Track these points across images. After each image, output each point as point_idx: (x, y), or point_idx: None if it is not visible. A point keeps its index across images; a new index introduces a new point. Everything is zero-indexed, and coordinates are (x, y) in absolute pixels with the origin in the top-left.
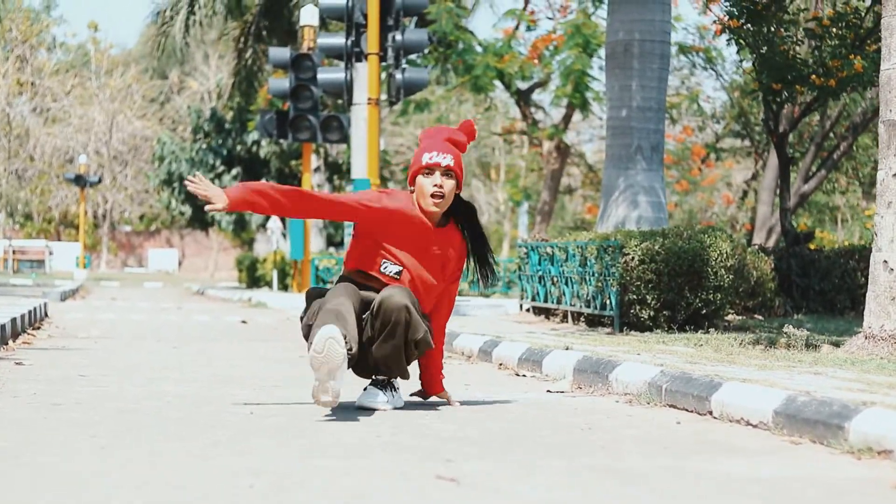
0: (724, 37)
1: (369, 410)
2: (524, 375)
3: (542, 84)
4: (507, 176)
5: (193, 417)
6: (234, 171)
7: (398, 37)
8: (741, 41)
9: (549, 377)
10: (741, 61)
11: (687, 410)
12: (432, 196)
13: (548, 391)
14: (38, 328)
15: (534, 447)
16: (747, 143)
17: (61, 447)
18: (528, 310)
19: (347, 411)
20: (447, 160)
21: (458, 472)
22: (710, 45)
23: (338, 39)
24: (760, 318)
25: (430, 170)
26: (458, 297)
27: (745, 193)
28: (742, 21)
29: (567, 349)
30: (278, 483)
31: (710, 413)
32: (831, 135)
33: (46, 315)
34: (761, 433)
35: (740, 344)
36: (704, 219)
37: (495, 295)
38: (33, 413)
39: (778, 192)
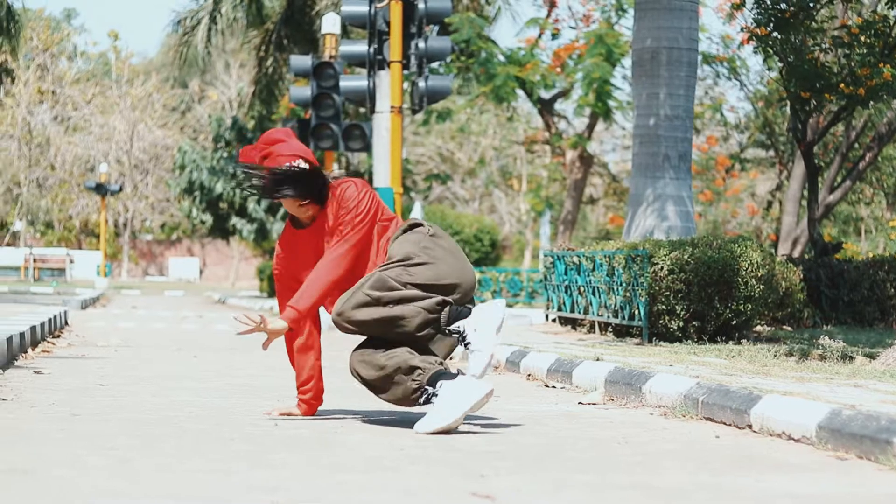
0: (749, 47)
1: (393, 423)
2: (554, 387)
3: (565, 93)
4: (528, 186)
5: (214, 430)
6: None
7: (421, 44)
8: (769, 49)
9: (579, 389)
10: (768, 69)
11: (725, 424)
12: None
13: (579, 403)
14: (58, 336)
15: (569, 462)
16: (771, 153)
17: (78, 461)
18: (553, 320)
19: (369, 423)
20: (301, 164)
21: (492, 489)
22: (734, 55)
23: (360, 47)
24: (789, 328)
25: None
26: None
27: (770, 204)
28: (770, 29)
29: (598, 360)
30: (302, 501)
31: (750, 427)
32: (856, 145)
33: (66, 323)
34: (804, 448)
35: (774, 355)
36: (728, 229)
37: (518, 305)
38: (50, 424)
39: (803, 202)
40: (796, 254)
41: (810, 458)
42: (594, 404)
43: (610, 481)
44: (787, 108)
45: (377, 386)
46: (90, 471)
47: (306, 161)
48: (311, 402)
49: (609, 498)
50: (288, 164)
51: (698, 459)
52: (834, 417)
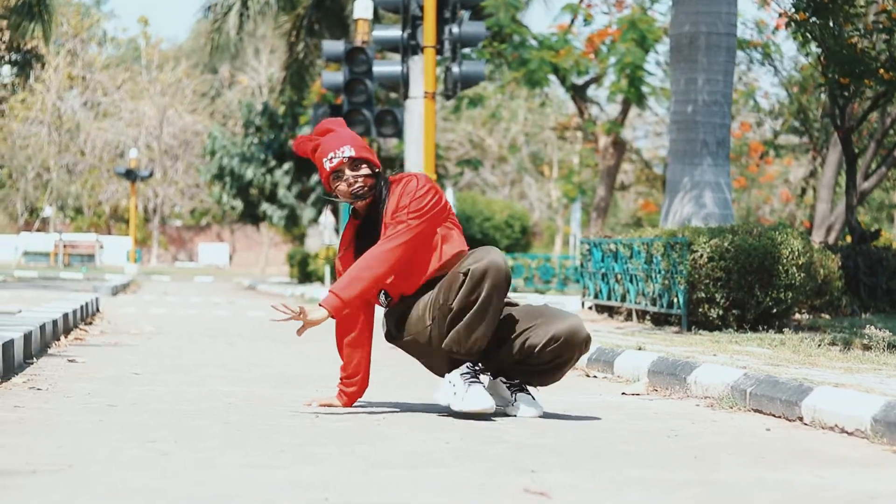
0: (782, 32)
1: (431, 412)
2: (595, 376)
3: (598, 79)
4: (559, 172)
5: (254, 421)
6: (285, 166)
7: (455, 29)
8: (807, 35)
9: (621, 378)
10: (807, 55)
11: (774, 416)
12: (353, 196)
13: (622, 393)
14: (90, 323)
15: (620, 456)
16: (805, 139)
17: (118, 454)
18: (590, 307)
19: (411, 415)
20: (346, 152)
21: (545, 485)
22: (768, 41)
23: (394, 32)
24: (828, 317)
25: (337, 173)
26: (512, 294)
27: (804, 191)
28: (808, 14)
29: (640, 349)
30: (347, 498)
31: (801, 419)
32: (891, 131)
33: (98, 310)
34: (859, 441)
35: (818, 345)
36: (761, 216)
37: (550, 292)
38: (88, 416)
39: (838, 189)
40: (830, 241)
41: (866, 452)
42: (638, 395)
43: (668, 478)
44: (823, 94)
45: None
46: (130, 465)
47: (354, 147)
48: (353, 394)
49: (672, 497)
50: (332, 152)
51: (753, 454)
52: (890, 410)
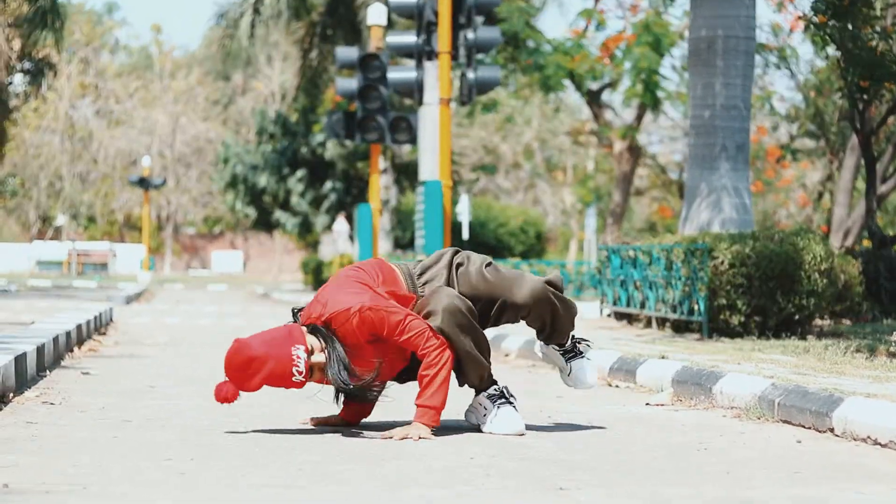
0: (798, 35)
1: (457, 431)
2: (617, 386)
3: (613, 84)
4: (574, 177)
5: (273, 439)
6: (299, 174)
7: (470, 35)
8: (826, 38)
9: (644, 388)
10: (826, 57)
11: (804, 427)
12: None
13: (647, 404)
14: (104, 334)
15: (653, 473)
16: (822, 143)
17: (135, 474)
18: (609, 315)
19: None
20: (300, 362)
21: None
22: (783, 45)
23: (408, 38)
24: (848, 323)
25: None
26: None
27: (821, 195)
28: (827, 17)
29: (663, 358)
30: None
31: (831, 430)
32: None
33: (112, 320)
34: (893, 454)
35: (844, 352)
36: (778, 221)
37: None
38: (103, 432)
39: (855, 193)
40: (848, 245)
41: None
42: (662, 405)
43: (702, 495)
44: (838, 98)
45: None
46: (148, 486)
47: (292, 357)
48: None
49: None
50: (293, 369)
51: (787, 468)
52: None
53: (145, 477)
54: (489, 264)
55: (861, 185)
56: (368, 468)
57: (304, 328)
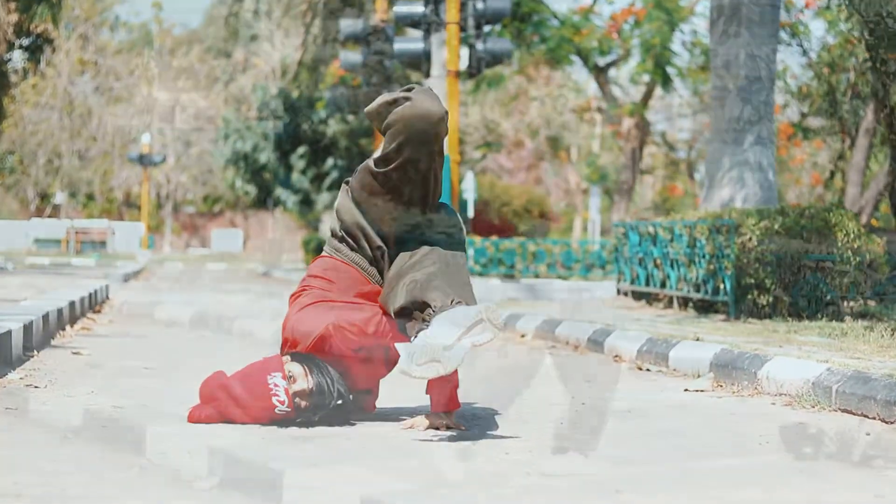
0: (809, 12)
1: (479, 416)
2: (648, 370)
3: (621, 60)
4: (579, 156)
5: (279, 431)
6: (300, 150)
7: (479, 5)
8: (852, 11)
9: (677, 372)
10: (850, 30)
11: (867, 417)
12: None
13: (685, 390)
14: (99, 312)
15: (716, 472)
16: (834, 121)
17: (122, 476)
18: (626, 294)
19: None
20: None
21: None
22: (797, 20)
23: (416, 8)
24: (873, 303)
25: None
26: (534, 280)
27: (832, 174)
28: None
29: (698, 340)
30: None
31: None
32: None
33: (108, 297)
34: None
35: (892, 333)
36: (791, 199)
37: (573, 278)
38: (89, 421)
39: (867, 172)
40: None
41: None
42: (702, 391)
43: (782, 501)
44: (851, 76)
45: None
46: (134, 490)
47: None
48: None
49: None
50: (272, 392)
51: (865, 466)
52: None
53: (134, 480)
54: None
55: (874, 165)
56: (399, 463)
57: (288, 356)
